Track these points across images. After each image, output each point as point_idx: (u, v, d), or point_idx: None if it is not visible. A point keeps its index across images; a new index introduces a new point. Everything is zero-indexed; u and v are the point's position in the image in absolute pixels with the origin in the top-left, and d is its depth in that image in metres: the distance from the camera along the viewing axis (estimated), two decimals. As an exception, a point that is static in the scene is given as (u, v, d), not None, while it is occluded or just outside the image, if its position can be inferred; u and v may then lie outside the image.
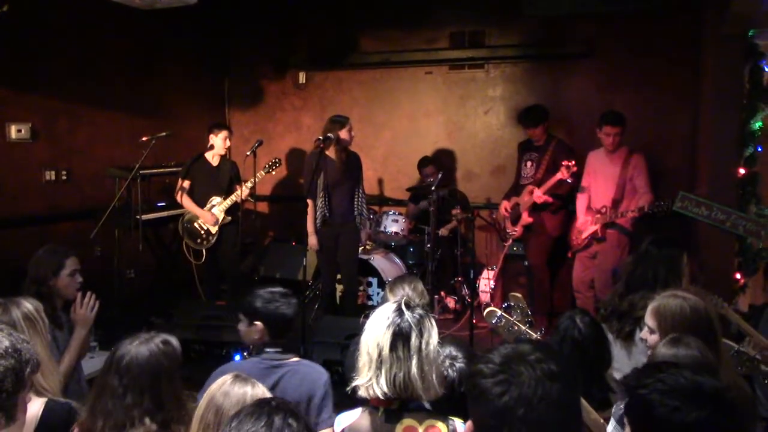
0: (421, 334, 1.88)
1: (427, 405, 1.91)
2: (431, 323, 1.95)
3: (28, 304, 2.41)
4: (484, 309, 2.38)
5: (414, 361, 1.85)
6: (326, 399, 2.44)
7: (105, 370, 1.98)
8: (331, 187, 5.08)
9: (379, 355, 1.86)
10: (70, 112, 5.41)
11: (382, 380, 1.85)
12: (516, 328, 2.30)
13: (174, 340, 2.06)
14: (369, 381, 1.87)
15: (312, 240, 5.06)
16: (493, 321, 2.29)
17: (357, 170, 5.20)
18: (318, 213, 5.05)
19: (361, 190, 5.23)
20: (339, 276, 5.44)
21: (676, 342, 1.97)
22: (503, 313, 2.27)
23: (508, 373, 1.21)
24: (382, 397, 1.86)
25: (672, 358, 1.88)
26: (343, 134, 4.97)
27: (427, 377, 1.85)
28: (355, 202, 5.18)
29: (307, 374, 2.47)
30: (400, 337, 1.87)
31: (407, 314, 1.91)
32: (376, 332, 1.91)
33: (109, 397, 1.91)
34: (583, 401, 2.03)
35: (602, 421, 2.01)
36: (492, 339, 4.76)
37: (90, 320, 2.99)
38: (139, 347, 1.96)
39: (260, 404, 1.48)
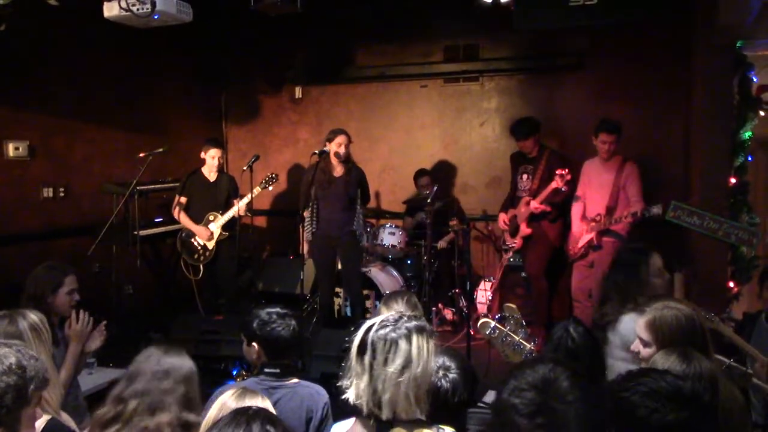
0: (415, 346, 1.86)
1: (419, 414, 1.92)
2: (430, 335, 1.92)
3: (34, 316, 2.44)
4: (480, 321, 2.40)
5: (406, 375, 1.83)
6: (326, 421, 2.40)
7: (139, 363, 2.05)
8: (324, 200, 5.12)
9: (372, 367, 1.85)
10: (68, 130, 5.45)
11: (368, 390, 1.84)
12: (510, 339, 2.32)
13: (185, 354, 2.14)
14: (360, 395, 1.87)
15: (305, 248, 5.16)
16: (487, 332, 2.30)
17: (355, 185, 5.23)
18: (306, 225, 5.13)
19: (358, 205, 5.25)
20: (337, 289, 5.48)
21: (676, 352, 1.98)
22: (497, 324, 2.29)
23: (546, 413, 1.18)
24: (375, 411, 1.85)
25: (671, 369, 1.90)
26: (333, 147, 5.05)
27: (421, 390, 1.85)
28: (356, 217, 5.22)
29: (306, 396, 2.44)
30: (393, 349, 1.84)
31: (402, 326, 1.88)
32: (369, 342, 1.88)
33: (147, 381, 1.98)
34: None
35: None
36: (489, 351, 4.77)
37: (84, 336, 3.00)
38: (158, 356, 2.06)
39: (239, 412, 1.51)
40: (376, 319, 1.95)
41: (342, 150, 5.09)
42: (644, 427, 1.39)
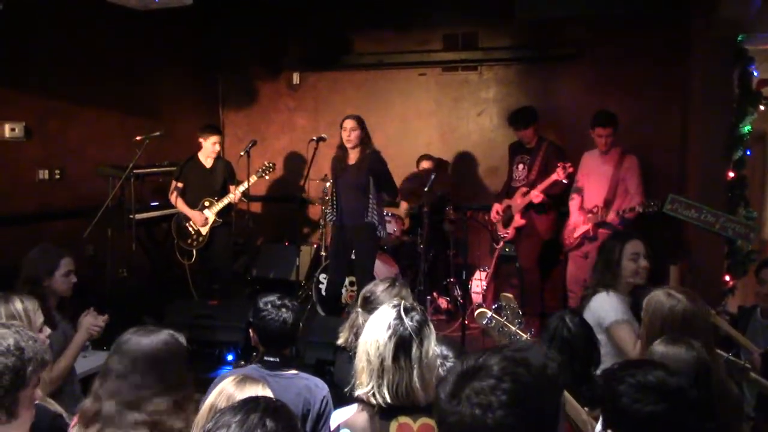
0: (421, 343, 1.89)
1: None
2: (430, 328, 1.96)
3: (19, 304, 2.43)
4: (476, 310, 2.40)
5: (415, 371, 1.86)
6: (325, 414, 2.37)
7: (109, 357, 1.98)
8: (339, 188, 5.05)
9: (381, 364, 1.87)
10: (64, 112, 5.41)
11: (385, 390, 1.86)
12: (506, 328, 2.32)
13: (179, 336, 2.05)
14: (371, 389, 1.88)
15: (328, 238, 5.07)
16: (484, 322, 2.30)
17: (365, 173, 4.95)
18: (328, 214, 5.06)
19: (372, 194, 4.96)
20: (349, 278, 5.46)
21: (675, 341, 2.00)
22: (493, 314, 2.29)
23: (460, 397, 1.15)
24: (384, 405, 1.87)
25: (666, 357, 1.93)
26: (343, 135, 4.94)
27: (428, 384, 1.87)
28: (370, 205, 4.95)
29: (305, 388, 2.41)
30: (401, 348, 1.87)
31: (407, 321, 1.90)
32: (377, 340, 1.90)
33: (114, 379, 1.90)
34: (573, 400, 2.06)
35: (590, 419, 2.04)
36: (483, 340, 4.79)
37: (93, 334, 3.01)
38: (141, 336, 1.96)
39: (246, 401, 1.47)
40: (391, 312, 1.94)
41: (347, 136, 4.90)
42: (625, 415, 1.49)
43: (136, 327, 2.01)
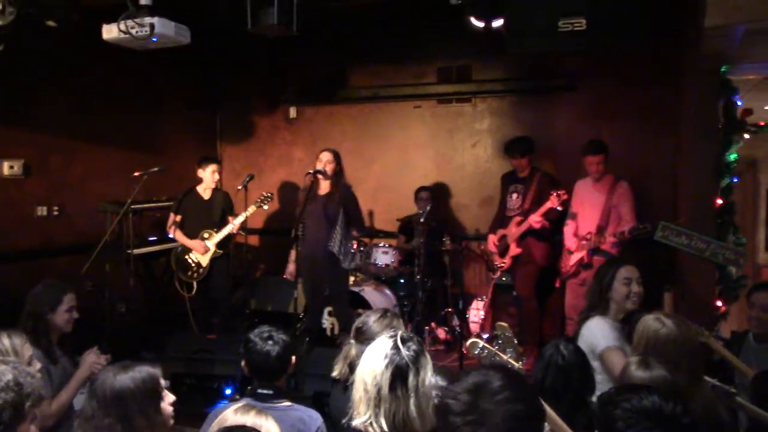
0: (418, 373, 1.91)
1: None
2: (426, 358, 1.98)
3: (6, 340, 2.46)
4: (469, 340, 2.44)
5: (412, 400, 1.88)
6: None
7: (86, 398, 2.00)
8: (308, 218, 5.06)
9: (378, 393, 1.88)
10: (63, 148, 5.48)
11: (382, 419, 1.87)
12: (498, 358, 2.35)
13: (150, 369, 2.03)
14: (368, 419, 1.89)
15: (289, 268, 5.06)
16: (476, 352, 2.34)
17: (336, 204, 5.02)
18: (295, 243, 5.09)
19: (340, 226, 5.03)
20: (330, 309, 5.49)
21: (646, 365, 2.05)
22: (485, 344, 2.32)
23: (476, 413, 1.28)
24: None
25: (643, 380, 1.97)
26: (318, 165, 4.99)
27: (425, 414, 1.89)
28: (334, 236, 5.00)
29: (298, 420, 2.41)
30: (398, 377, 1.89)
31: (404, 351, 1.93)
32: (374, 370, 1.92)
33: (82, 421, 1.92)
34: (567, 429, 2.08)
35: None
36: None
37: (95, 372, 3.02)
38: (110, 374, 1.96)
39: (229, 428, 1.48)
40: (388, 342, 1.97)
41: (323, 167, 4.97)
42: None
43: (114, 365, 2.02)
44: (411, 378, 1.89)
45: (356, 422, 1.92)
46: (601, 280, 3.23)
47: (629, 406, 1.53)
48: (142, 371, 1.99)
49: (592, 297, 3.26)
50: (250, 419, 1.87)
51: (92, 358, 3.04)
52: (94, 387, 1.96)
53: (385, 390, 1.87)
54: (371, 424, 1.88)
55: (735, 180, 4.49)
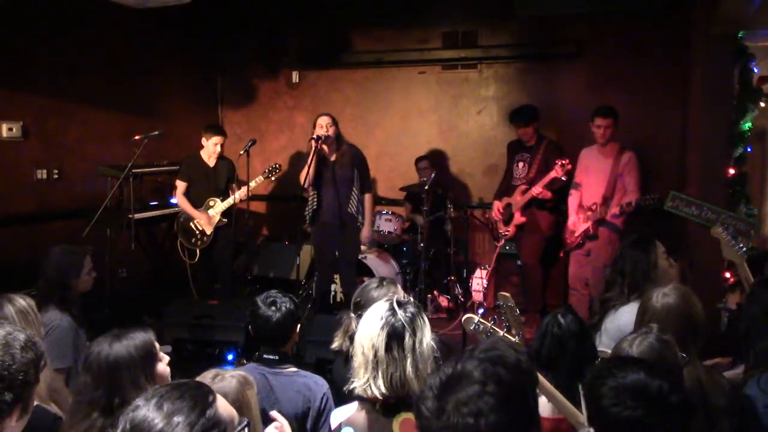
0: (414, 333, 1.91)
1: None
2: (423, 320, 1.98)
3: (22, 300, 2.42)
4: (472, 311, 2.40)
5: (409, 361, 1.88)
6: (325, 411, 2.36)
7: (81, 372, 1.99)
8: (322, 186, 5.05)
9: (375, 355, 1.89)
10: (62, 111, 5.39)
11: (380, 381, 1.88)
12: (494, 333, 2.32)
13: (143, 334, 1.98)
14: (366, 382, 1.90)
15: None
16: (471, 327, 2.30)
17: (349, 167, 5.02)
18: (307, 209, 5.06)
19: (356, 186, 5.03)
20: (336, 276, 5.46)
21: (640, 338, 2.01)
22: (480, 319, 2.29)
23: (446, 410, 1.13)
24: (380, 397, 1.89)
25: (633, 353, 1.95)
26: (318, 132, 4.91)
27: (422, 375, 1.88)
28: (351, 198, 5.02)
29: (304, 386, 2.40)
30: (394, 338, 1.89)
31: (400, 313, 1.93)
32: (370, 332, 1.92)
33: (76, 394, 1.92)
34: (566, 402, 2.04)
35: (578, 412, 2.03)
36: (484, 338, 4.77)
37: None
38: (105, 345, 1.92)
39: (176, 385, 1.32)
40: (384, 305, 1.97)
41: (326, 132, 4.90)
42: (606, 416, 1.50)
43: (106, 335, 1.97)
44: (407, 339, 1.90)
45: (355, 385, 1.93)
46: (638, 264, 3.04)
47: (615, 384, 1.50)
48: (136, 338, 1.95)
49: (630, 280, 3.05)
50: (216, 385, 1.81)
51: None
52: (89, 360, 1.92)
53: (382, 351, 1.89)
54: (369, 386, 1.89)
55: (749, 149, 4.41)
